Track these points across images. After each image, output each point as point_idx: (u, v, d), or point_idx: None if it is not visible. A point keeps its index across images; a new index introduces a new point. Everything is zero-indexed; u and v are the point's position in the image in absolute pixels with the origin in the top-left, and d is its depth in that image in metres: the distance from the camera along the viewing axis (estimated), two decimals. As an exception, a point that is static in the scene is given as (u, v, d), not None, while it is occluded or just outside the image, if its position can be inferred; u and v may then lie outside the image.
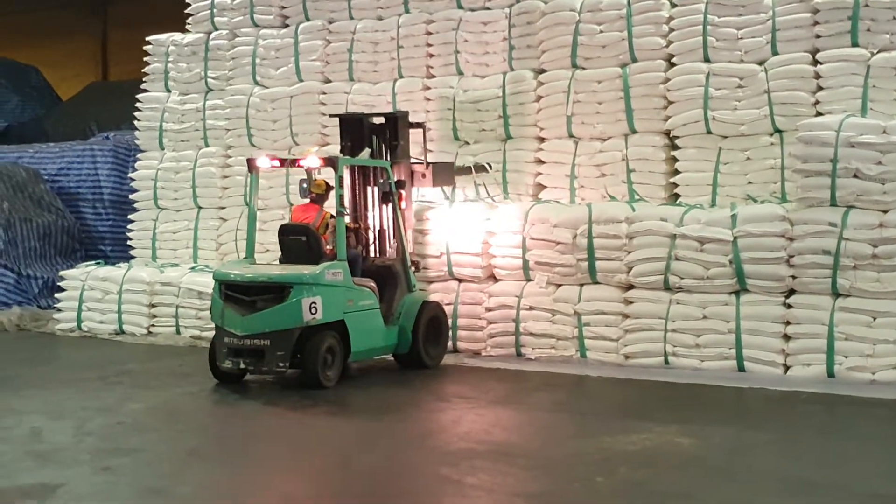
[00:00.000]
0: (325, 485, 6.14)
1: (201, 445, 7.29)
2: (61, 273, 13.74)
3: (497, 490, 5.98)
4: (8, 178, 15.30)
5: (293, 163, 10.07)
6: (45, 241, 15.12)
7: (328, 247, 9.70)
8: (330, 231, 9.81)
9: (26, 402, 8.62)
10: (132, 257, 14.18)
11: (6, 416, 7.99)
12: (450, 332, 10.70)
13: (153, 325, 12.88)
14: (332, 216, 9.78)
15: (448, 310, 10.98)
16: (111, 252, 15.56)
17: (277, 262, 10.11)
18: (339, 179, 9.63)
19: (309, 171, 10.16)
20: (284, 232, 9.89)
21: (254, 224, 10.23)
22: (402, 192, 10.51)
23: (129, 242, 14.43)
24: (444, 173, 11.22)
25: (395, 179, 10.37)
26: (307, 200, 10.27)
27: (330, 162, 9.63)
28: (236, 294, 9.26)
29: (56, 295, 13.51)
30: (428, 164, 10.92)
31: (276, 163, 10.21)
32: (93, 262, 14.05)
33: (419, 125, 11.14)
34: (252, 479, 6.33)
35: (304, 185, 10.13)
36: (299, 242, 9.67)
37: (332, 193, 9.79)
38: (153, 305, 12.88)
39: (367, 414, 8.37)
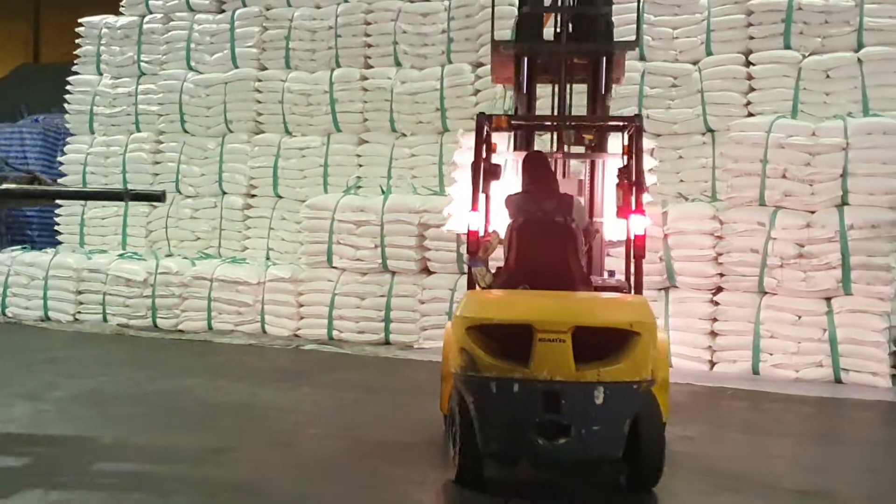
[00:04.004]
0: (269, 467, 6.07)
1: (126, 434, 7.17)
2: (-15, 258, 13.46)
3: (427, 482, 5.97)
4: (-68, 159, 14.93)
5: None
6: (-31, 225, 14.78)
7: None
8: None
9: (-54, 389, 8.40)
10: (59, 243, 13.95)
11: (-76, 403, 7.78)
12: None
13: (79, 312, 12.70)
14: None
15: (382, 302, 10.98)
16: (38, 237, 15.27)
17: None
18: None
19: None
20: None
21: None
22: None
23: (56, 228, 14.18)
24: None
25: None
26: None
27: None
28: None
29: (-20, 280, 13.22)
30: None
31: None
32: (18, 247, 13.78)
33: None
34: (179, 468, 6.24)
35: None
36: None
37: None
38: (80, 292, 12.71)
39: (294, 407, 8.31)
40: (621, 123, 6.61)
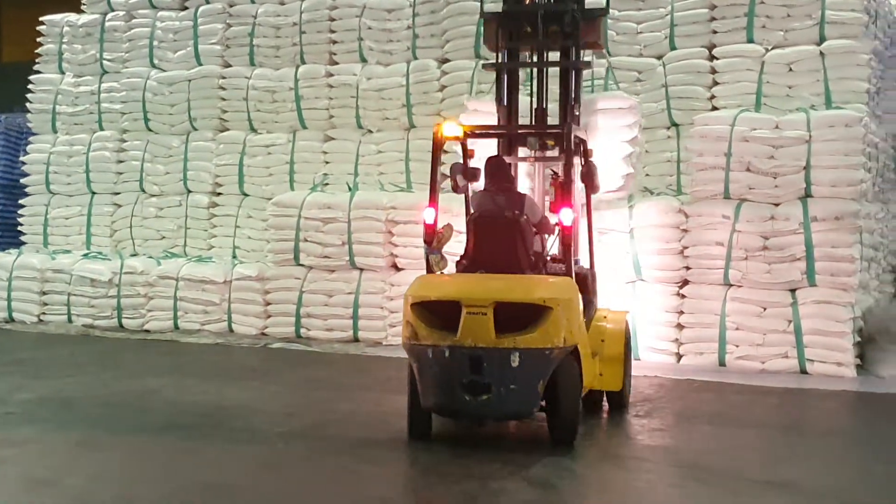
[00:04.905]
0: (239, 467, 6.04)
1: (93, 435, 7.12)
2: (-52, 259, 13.30)
3: (398, 479, 5.97)
4: None
5: None
6: (-69, 226, 14.62)
7: None
8: None
9: None
10: (23, 243, 13.83)
11: None
12: None
13: (44, 313, 12.59)
14: None
15: (350, 299, 10.97)
16: (1, 238, 15.12)
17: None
18: None
19: None
20: None
21: None
22: None
23: (19, 228, 14.06)
24: None
25: None
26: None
27: None
28: None
29: (-58, 281, 13.07)
30: None
31: None
32: (-19, 248, 13.65)
33: None
34: (147, 469, 6.20)
35: None
36: None
37: None
38: (44, 293, 12.60)
39: (262, 406, 8.28)
40: (556, 131, 7.42)
